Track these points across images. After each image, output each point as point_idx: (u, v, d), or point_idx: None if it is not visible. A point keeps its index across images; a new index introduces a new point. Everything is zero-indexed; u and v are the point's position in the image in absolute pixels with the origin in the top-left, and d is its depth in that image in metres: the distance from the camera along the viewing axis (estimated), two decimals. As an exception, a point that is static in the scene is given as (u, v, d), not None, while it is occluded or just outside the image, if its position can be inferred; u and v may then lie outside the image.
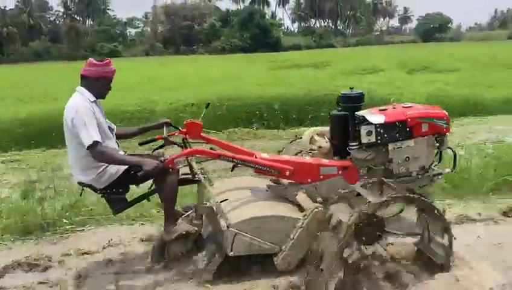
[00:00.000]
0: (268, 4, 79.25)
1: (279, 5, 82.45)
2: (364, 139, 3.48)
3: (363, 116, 3.52)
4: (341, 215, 2.98)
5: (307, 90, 10.23)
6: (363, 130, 3.47)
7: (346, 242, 2.84)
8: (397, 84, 11.60)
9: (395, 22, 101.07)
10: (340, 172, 3.50)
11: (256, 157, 3.44)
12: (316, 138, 3.91)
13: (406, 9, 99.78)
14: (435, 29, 70.04)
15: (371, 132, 3.48)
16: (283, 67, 20.89)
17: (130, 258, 3.59)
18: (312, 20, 79.64)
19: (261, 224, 3.16)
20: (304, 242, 3.18)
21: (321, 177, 3.49)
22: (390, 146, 3.53)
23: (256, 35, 54.02)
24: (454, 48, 32.06)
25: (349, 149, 3.59)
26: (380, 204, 2.87)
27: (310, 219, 3.17)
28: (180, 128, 3.73)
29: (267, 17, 64.54)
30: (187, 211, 3.52)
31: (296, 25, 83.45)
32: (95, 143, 2.99)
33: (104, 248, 3.81)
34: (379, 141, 3.50)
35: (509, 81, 12.48)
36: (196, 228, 3.32)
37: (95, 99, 3.23)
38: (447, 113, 3.65)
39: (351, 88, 3.77)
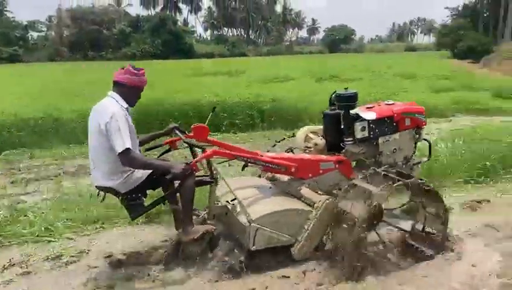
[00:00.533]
0: (180, 11, 78.71)
1: (191, 12, 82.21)
2: (359, 135, 3.85)
3: (357, 114, 3.88)
4: (356, 207, 3.22)
5: (222, 97, 10.39)
6: (358, 126, 3.84)
7: (363, 231, 3.14)
8: (307, 92, 12.14)
9: (304, 33, 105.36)
10: (336, 166, 3.81)
11: (262, 156, 3.66)
12: (311, 135, 4.23)
13: (313, 21, 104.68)
14: (340, 41, 74.19)
15: (365, 127, 3.85)
16: (197, 75, 20.92)
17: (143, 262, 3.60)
18: (225, 28, 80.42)
19: (279, 218, 3.37)
20: (317, 232, 3.44)
21: (321, 171, 3.77)
22: (380, 140, 3.94)
23: (168, 42, 53.23)
24: (357, 58, 34.25)
25: (343, 144, 3.94)
26: (388, 189, 3.23)
27: (323, 210, 3.41)
28: (186, 132, 3.79)
29: (179, 23, 63.91)
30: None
31: (208, 32, 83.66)
32: (127, 150, 3.04)
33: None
34: (371, 136, 3.89)
35: (406, 89, 13.64)
36: (215, 227, 3.45)
37: (127, 106, 3.28)
38: (424, 108, 4.20)
39: (346, 88, 4.13)
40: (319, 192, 3.69)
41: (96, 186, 3.39)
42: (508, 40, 35.04)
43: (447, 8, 50.64)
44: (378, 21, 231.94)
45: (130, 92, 3.28)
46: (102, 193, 3.42)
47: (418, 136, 4.17)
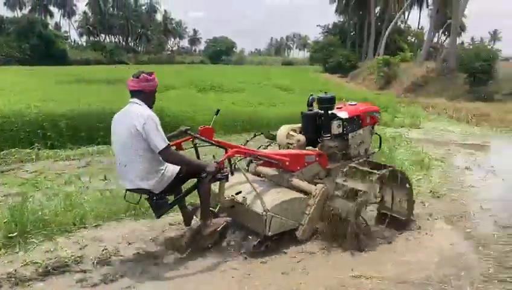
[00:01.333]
0: (51, 14, 73.33)
1: (64, 16, 77.04)
2: (335, 131, 4.57)
3: (334, 113, 4.59)
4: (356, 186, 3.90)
5: (99, 107, 9.76)
6: (335, 124, 4.55)
7: (361, 205, 3.90)
8: (190, 102, 12.05)
9: (185, 43, 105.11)
10: (316, 159, 4.42)
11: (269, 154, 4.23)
12: (292, 133, 4.69)
13: (195, 32, 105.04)
14: (221, 52, 75.48)
15: (340, 125, 4.57)
16: (72, 82, 19.53)
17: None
18: (102, 35, 76.73)
19: (287, 206, 3.86)
20: (316, 216, 4.00)
21: (306, 164, 4.35)
22: (350, 135, 4.67)
23: (38, 47, 49.27)
24: (238, 70, 35.13)
25: (320, 140, 4.58)
26: (380, 176, 3.98)
27: (320, 197, 3.98)
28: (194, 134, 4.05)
29: (50, 27, 59.45)
30: (196, 209, 4.01)
31: (84, 38, 78.99)
32: (167, 147, 3.38)
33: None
34: (344, 132, 4.62)
35: (284, 101, 14.27)
36: (230, 219, 3.95)
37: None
38: (379, 108, 5.25)
39: (326, 92, 4.73)
40: (305, 182, 4.22)
41: (128, 190, 3.63)
42: (371, 57, 38.81)
43: (318, 25, 54.50)
44: (257, 35, 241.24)
45: (148, 96, 3.55)
46: (129, 195, 3.70)
47: (373, 130, 5.01)
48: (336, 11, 48.76)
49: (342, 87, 24.18)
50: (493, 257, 3.77)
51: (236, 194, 3.90)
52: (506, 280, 3.36)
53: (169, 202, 3.69)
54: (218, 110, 4.59)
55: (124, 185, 3.61)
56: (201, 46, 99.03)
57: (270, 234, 3.74)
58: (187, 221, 4.00)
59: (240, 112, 11.08)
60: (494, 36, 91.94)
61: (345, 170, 4.11)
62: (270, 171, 4.44)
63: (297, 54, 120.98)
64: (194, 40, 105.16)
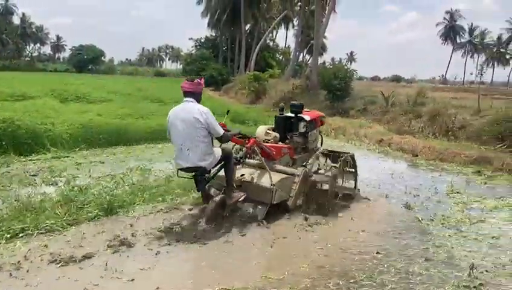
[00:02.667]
0: None
1: None
2: (301, 130, 6.29)
3: (301, 117, 6.32)
4: (328, 172, 5.85)
5: None
6: (301, 125, 6.30)
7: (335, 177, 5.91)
8: (49, 113, 11.03)
9: (47, 49, 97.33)
10: (288, 151, 6.06)
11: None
12: (269, 131, 6.00)
13: (58, 38, 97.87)
14: (88, 61, 71.22)
15: (305, 125, 6.30)
16: None
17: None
18: None
19: (283, 182, 5.27)
20: (299, 191, 5.46)
21: (282, 155, 5.91)
22: (309, 133, 6.35)
23: None
24: (107, 80, 33.47)
25: (290, 137, 6.27)
26: (344, 160, 6.32)
27: (302, 176, 5.48)
28: None
29: None
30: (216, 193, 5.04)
31: None
32: (225, 132, 4.74)
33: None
34: (307, 130, 6.30)
35: (154, 113, 13.86)
36: (245, 193, 5.07)
37: None
38: (324, 114, 7.40)
39: (296, 101, 7.33)
40: (283, 167, 5.67)
41: (187, 168, 4.73)
42: (243, 72, 40.05)
43: (191, 38, 54.60)
44: (128, 44, 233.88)
45: (198, 96, 4.81)
46: (181, 174, 4.92)
47: (320, 131, 6.90)
48: (208, 25, 49.37)
49: (214, 100, 24.39)
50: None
51: (241, 176, 5.25)
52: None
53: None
54: (228, 111, 6.28)
55: (182, 165, 4.72)
56: (66, 54, 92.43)
57: (274, 202, 5.10)
58: (206, 200, 5.02)
59: (105, 124, 10.46)
60: (351, 57, 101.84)
61: (317, 156, 6.25)
62: (254, 161, 5.61)
63: (170, 66, 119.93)
64: (57, 47, 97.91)
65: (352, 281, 3.73)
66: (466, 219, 5.61)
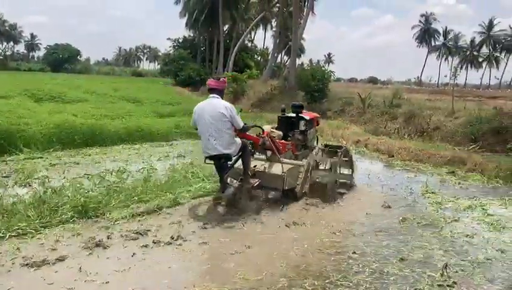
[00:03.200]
0: None
1: None
2: (302, 128, 7.11)
3: (301, 116, 7.17)
4: (325, 164, 6.41)
5: None
6: (302, 123, 7.14)
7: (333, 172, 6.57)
8: (22, 113, 10.79)
9: (21, 48, 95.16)
10: (291, 147, 6.80)
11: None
12: (273, 130, 6.57)
13: (33, 36, 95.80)
14: (64, 60, 69.95)
15: (305, 124, 7.14)
16: None
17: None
18: None
19: (291, 171, 5.98)
20: (304, 180, 6.21)
21: (286, 150, 6.59)
22: (309, 131, 7.19)
23: None
24: (83, 80, 32.92)
25: (292, 134, 7.03)
26: (342, 152, 7.04)
27: (306, 167, 6.25)
28: None
29: None
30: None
31: None
32: (244, 124, 5.49)
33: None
34: (306, 129, 7.13)
35: (130, 113, 13.73)
36: (259, 180, 5.78)
37: None
38: (320, 115, 8.91)
39: (297, 102, 7.99)
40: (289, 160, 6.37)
41: (215, 155, 5.33)
42: (221, 73, 39.88)
43: (169, 38, 54.18)
44: (104, 43, 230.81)
45: (222, 92, 5.47)
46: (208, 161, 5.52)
47: (316, 130, 7.81)
48: (186, 25, 49.05)
49: (192, 100, 24.29)
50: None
51: (254, 167, 5.93)
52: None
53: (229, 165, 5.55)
54: (241, 109, 6.50)
55: (210, 154, 5.35)
56: (42, 53, 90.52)
57: (286, 188, 5.85)
58: (223, 189, 5.45)
59: (80, 124, 10.28)
60: (329, 59, 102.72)
61: (317, 151, 7.02)
62: (262, 156, 6.36)
63: (148, 66, 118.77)
64: (32, 46, 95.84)
65: (327, 281, 3.76)
66: (441, 219, 5.72)
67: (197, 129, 5.47)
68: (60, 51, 70.20)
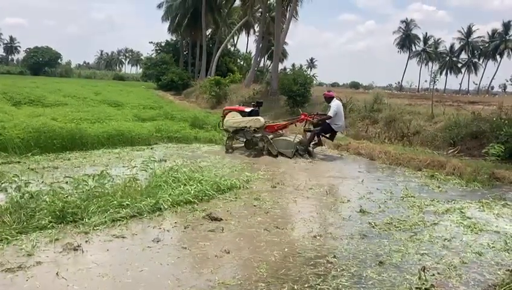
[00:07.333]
0: None
1: None
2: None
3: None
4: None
5: None
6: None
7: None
8: (-1, 117, 10.60)
9: (0, 51, 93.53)
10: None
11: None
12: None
13: (12, 39, 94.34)
14: (44, 63, 68.97)
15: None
16: None
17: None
18: None
19: (291, 142, 10.62)
20: (293, 149, 10.67)
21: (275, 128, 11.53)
22: None
23: None
24: (63, 83, 32.49)
25: None
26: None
27: (295, 140, 10.85)
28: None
29: None
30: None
31: None
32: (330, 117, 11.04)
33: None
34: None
35: (111, 117, 13.57)
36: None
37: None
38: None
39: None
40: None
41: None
42: (204, 77, 39.84)
43: (151, 42, 53.84)
44: (86, 47, 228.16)
45: (330, 99, 11.32)
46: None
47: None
48: (169, 29, 48.88)
49: (174, 105, 24.19)
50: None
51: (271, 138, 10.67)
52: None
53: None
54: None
55: (343, 128, 12.29)
56: (21, 56, 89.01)
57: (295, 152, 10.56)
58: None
59: (60, 128, 10.11)
60: (311, 64, 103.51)
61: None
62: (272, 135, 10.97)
63: (130, 70, 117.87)
64: (11, 48, 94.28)
65: (306, 285, 3.77)
66: (420, 223, 5.79)
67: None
68: (40, 54, 69.25)
